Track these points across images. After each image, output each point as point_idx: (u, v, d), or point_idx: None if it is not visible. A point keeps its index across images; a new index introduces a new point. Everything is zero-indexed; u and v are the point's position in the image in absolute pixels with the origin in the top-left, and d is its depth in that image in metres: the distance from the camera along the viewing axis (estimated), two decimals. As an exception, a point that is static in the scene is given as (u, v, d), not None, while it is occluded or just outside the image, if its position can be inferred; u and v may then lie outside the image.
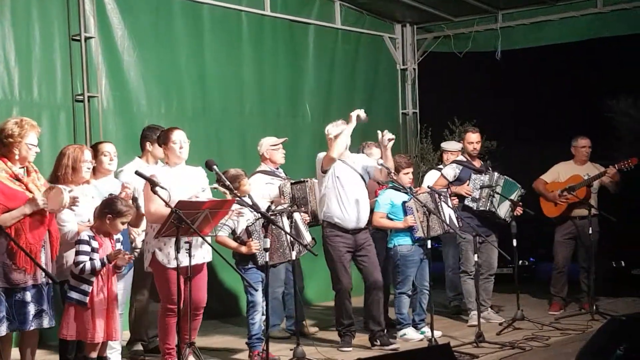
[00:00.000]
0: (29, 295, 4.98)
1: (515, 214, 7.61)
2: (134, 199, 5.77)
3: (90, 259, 5.12)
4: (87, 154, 5.55)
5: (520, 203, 7.69)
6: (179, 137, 5.63)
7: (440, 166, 8.51)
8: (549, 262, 8.73)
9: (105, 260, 5.18)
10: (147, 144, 6.53)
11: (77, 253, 5.11)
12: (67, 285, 5.18)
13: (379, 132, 6.59)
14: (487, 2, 10.00)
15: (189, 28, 8.50)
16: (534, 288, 9.22)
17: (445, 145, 8.95)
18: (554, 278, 8.42)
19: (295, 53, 9.63)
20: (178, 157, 5.62)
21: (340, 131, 6.51)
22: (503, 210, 7.57)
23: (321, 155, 6.62)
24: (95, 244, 5.15)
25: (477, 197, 7.59)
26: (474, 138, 7.81)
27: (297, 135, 9.24)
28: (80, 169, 5.46)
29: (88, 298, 5.12)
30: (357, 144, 7.12)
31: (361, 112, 6.50)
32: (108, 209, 5.20)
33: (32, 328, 5.03)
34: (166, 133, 5.71)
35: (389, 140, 6.59)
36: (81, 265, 5.10)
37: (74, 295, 5.14)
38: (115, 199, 5.29)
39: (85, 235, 5.13)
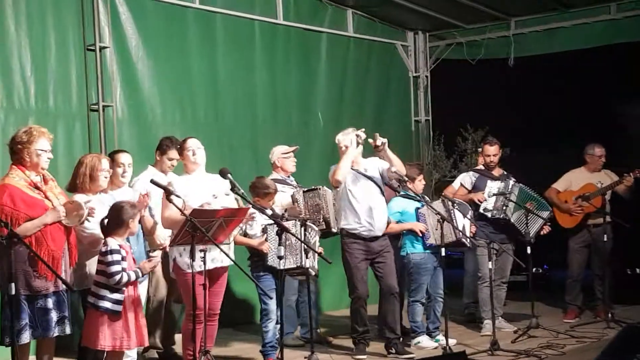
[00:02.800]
0: (50, 302, 5.02)
1: (542, 233, 7.61)
2: (149, 208, 5.80)
3: (123, 269, 5.09)
4: (105, 163, 5.58)
5: (549, 222, 7.67)
6: (192, 144, 5.75)
7: (480, 167, 8.36)
8: (562, 269, 8.69)
9: (139, 272, 5.18)
10: (157, 153, 6.62)
11: (111, 264, 5.06)
12: (92, 294, 5.12)
13: (370, 140, 6.56)
14: (499, 9, 10.00)
15: (202, 37, 8.55)
16: (547, 296, 9.19)
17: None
18: (569, 286, 8.38)
19: (308, 61, 9.65)
20: (193, 163, 5.72)
21: (349, 142, 6.50)
22: (533, 229, 7.54)
23: (333, 168, 6.63)
24: (123, 252, 5.15)
25: (491, 205, 7.58)
26: (491, 151, 7.79)
27: (309, 143, 9.27)
28: (98, 177, 5.50)
29: (122, 306, 5.10)
30: (367, 150, 7.10)
31: (361, 134, 6.47)
32: (123, 216, 5.19)
33: (55, 334, 5.07)
34: (181, 143, 5.87)
35: (382, 145, 6.45)
36: (117, 277, 5.04)
37: (107, 304, 5.06)
38: (121, 204, 5.28)
39: (115, 244, 5.11)
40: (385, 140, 6.51)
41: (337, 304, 9.04)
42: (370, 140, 6.52)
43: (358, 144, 6.50)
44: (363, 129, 6.56)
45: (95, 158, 5.58)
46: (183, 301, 5.81)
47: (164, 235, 6.05)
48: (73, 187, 5.54)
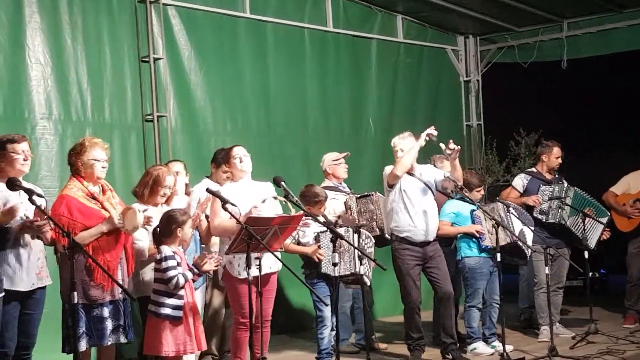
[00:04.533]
0: (106, 311, 5.09)
1: (602, 238, 7.49)
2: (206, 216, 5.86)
3: (179, 273, 5.16)
4: (169, 180, 5.60)
5: (608, 228, 7.56)
6: (238, 152, 5.78)
7: (533, 170, 8.25)
8: (620, 274, 8.54)
9: (194, 269, 5.23)
10: (212, 165, 6.71)
11: (167, 269, 5.13)
12: (152, 302, 5.19)
13: (442, 144, 6.54)
14: (551, 11, 9.88)
15: (253, 46, 8.63)
16: (605, 301, 9.02)
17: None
18: (628, 291, 8.22)
19: (358, 68, 9.67)
20: (240, 170, 5.74)
21: (409, 146, 6.50)
22: (594, 236, 7.44)
23: (388, 169, 6.61)
24: (177, 258, 5.22)
25: (546, 208, 7.48)
26: (560, 153, 7.71)
27: (361, 150, 9.29)
28: (157, 192, 5.55)
29: (182, 312, 5.15)
30: (422, 156, 7.09)
31: (434, 132, 6.45)
32: (174, 223, 5.26)
33: (109, 343, 5.14)
34: (227, 151, 5.89)
35: (454, 150, 6.42)
36: (174, 280, 5.11)
37: (167, 311, 5.13)
38: (172, 212, 5.35)
39: (168, 251, 5.18)
40: (459, 148, 6.47)
41: (391, 310, 9.01)
42: (443, 145, 6.47)
43: (426, 142, 6.45)
44: (433, 127, 6.51)
45: (162, 173, 5.59)
46: (231, 308, 5.83)
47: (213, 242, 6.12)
48: (135, 193, 5.64)
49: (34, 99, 6.90)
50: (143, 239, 5.47)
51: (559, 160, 7.71)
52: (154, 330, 5.14)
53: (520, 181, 7.80)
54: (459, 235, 7.00)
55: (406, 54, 10.17)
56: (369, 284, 6.40)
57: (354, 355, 6.97)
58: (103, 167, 5.21)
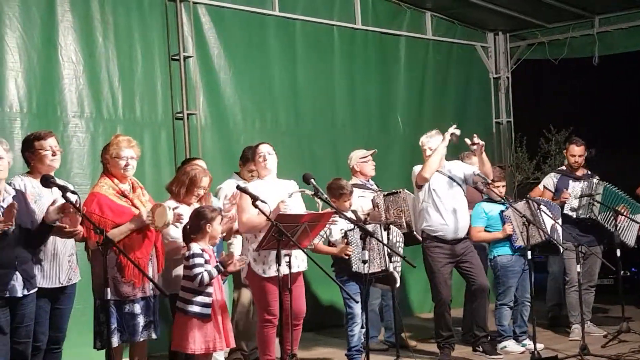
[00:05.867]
0: (138, 307, 5.13)
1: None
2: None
3: (205, 270, 5.17)
4: (205, 181, 5.59)
5: None
6: (263, 150, 5.79)
7: (562, 168, 8.21)
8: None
9: (220, 267, 5.23)
10: (240, 163, 6.73)
11: (193, 266, 5.14)
12: (181, 299, 5.20)
13: (467, 140, 6.50)
14: (583, 7, 9.77)
15: (282, 44, 8.65)
16: (636, 299, 8.92)
17: None
18: (661, 289, 8.14)
19: (387, 65, 9.64)
20: (264, 168, 5.76)
21: (435, 146, 6.48)
22: (631, 235, 7.37)
23: (416, 169, 6.59)
24: (206, 256, 5.24)
25: (577, 205, 7.41)
26: (576, 151, 7.62)
27: (389, 147, 9.26)
28: (193, 192, 5.55)
29: (211, 309, 5.16)
30: (451, 152, 7.05)
31: (456, 131, 6.43)
32: (203, 219, 5.27)
33: (141, 339, 5.18)
34: (253, 149, 5.92)
35: (479, 145, 6.40)
36: (199, 277, 5.11)
37: (195, 308, 5.13)
38: (200, 208, 5.35)
39: (197, 248, 5.19)
40: (483, 143, 6.45)
41: (420, 308, 9.00)
42: (467, 140, 6.44)
43: (451, 141, 6.43)
44: (455, 125, 6.49)
45: (198, 174, 5.57)
46: (256, 306, 5.84)
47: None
48: (169, 190, 5.65)
49: (66, 97, 6.98)
50: (179, 237, 5.47)
51: (576, 159, 7.60)
52: (181, 328, 5.17)
53: (550, 180, 7.73)
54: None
55: (435, 51, 10.12)
56: (398, 283, 6.37)
57: (383, 352, 6.96)
58: (127, 165, 5.21)
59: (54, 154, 4.96)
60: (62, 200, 4.63)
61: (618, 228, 7.34)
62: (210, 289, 5.20)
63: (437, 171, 6.53)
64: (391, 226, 6.27)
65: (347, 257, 6.10)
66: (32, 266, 4.73)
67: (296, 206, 5.72)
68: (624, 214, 7.35)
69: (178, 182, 5.59)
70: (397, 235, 6.36)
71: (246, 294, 6.58)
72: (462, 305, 7.22)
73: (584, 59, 10.14)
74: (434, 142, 6.54)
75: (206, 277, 5.14)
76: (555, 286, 8.15)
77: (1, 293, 4.53)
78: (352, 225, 6.01)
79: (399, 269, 6.33)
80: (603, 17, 9.97)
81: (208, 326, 5.16)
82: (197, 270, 5.13)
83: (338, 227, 6.15)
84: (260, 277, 5.58)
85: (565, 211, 7.43)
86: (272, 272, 5.42)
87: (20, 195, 4.71)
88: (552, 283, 8.26)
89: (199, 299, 5.16)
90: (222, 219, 5.44)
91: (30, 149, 4.97)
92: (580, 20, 10.08)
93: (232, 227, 5.86)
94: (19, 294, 4.59)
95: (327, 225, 5.91)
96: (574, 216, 7.41)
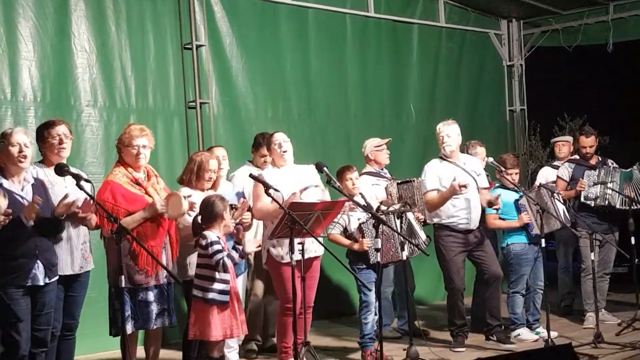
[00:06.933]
0: (151, 295, 5.15)
1: None
2: (250, 209, 5.87)
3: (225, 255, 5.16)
4: (213, 164, 5.62)
5: None
6: (278, 138, 5.80)
7: (556, 163, 8.24)
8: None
9: (241, 251, 5.21)
10: (252, 149, 6.73)
11: (214, 254, 5.10)
12: (198, 287, 5.17)
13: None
14: (597, -6, 9.72)
15: (294, 32, 8.64)
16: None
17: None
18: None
19: (399, 53, 9.62)
20: (280, 156, 5.77)
21: (453, 133, 6.53)
22: None
23: (428, 167, 6.61)
24: (222, 242, 5.24)
25: (593, 193, 7.37)
26: (587, 142, 7.58)
27: (402, 135, 9.25)
28: (203, 177, 5.57)
29: (229, 296, 5.16)
30: (464, 141, 7.04)
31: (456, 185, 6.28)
32: (214, 209, 5.23)
33: (155, 327, 5.20)
34: (269, 138, 5.92)
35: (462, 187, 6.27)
36: (221, 262, 5.08)
37: (214, 295, 5.11)
38: (210, 198, 5.31)
39: (213, 236, 5.16)
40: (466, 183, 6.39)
41: (432, 296, 8.99)
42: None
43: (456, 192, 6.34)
44: (459, 182, 6.29)
45: (205, 158, 5.62)
46: (277, 293, 5.87)
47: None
48: (181, 180, 5.68)
49: (80, 86, 7.00)
50: None
51: (587, 150, 7.55)
52: (201, 315, 5.14)
53: (565, 170, 7.70)
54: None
55: (448, 39, 10.08)
56: (425, 248, 6.30)
57: (396, 340, 6.96)
58: (139, 154, 5.21)
59: (60, 142, 4.96)
60: (74, 197, 4.67)
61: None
62: (227, 276, 5.19)
63: (452, 163, 6.52)
64: (408, 214, 6.25)
65: (365, 251, 6.07)
66: (53, 253, 4.76)
67: (313, 197, 5.70)
68: (635, 199, 7.30)
69: (187, 171, 5.64)
70: (416, 219, 6.32)
71: (260, 284, 6.60)
72: (473, 292, 7.20)
73: (598, 46, 10.08)
74: (451, 130, 6.55)
75: (228, 262, 5.12)
76: (565, 275, 8.14)
77: (24, 282, 4.57)
78: (366, 217, 5.97)
79: (423, 246, 6.25)
80: (618, 3, 9.91)
81: (226, 312, 5.16)
82: (218, 256, 5.09)
83: (356, 217, 6.12)
84: (280, 264, 5.61)
85: (581, 200, 7.39)
86: (288, 257, 5.40)
87: (39, 184, 4.75)
88: (562, 272, 8.26)
89: (217, 285, 5.14)
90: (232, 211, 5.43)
91: (41, 138, 5.00)
92: (595, 7, 10.00)
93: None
94: (41, 282, 4.64)
95: (344, 214, 5.89)
96: (592, 205, 7.37)
